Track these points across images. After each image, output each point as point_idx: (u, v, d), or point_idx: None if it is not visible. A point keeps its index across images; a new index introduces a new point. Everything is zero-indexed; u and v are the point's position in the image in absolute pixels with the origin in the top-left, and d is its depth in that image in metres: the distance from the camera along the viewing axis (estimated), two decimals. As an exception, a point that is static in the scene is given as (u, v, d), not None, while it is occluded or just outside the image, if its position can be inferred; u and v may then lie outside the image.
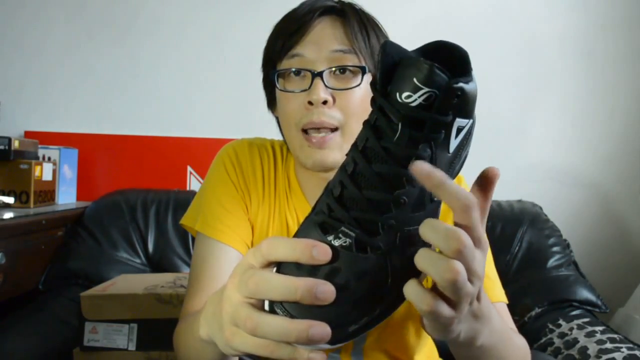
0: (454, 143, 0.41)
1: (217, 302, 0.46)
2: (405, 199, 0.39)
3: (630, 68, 1.79)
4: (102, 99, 1.79)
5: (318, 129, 0.70)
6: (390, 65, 0.39)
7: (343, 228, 0.39)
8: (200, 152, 1.74)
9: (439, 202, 0.43)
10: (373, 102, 0.41)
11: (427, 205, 0.41)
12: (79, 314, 1.04)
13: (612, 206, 1.80)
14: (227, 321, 0.42)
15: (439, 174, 0.37)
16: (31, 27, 1.77)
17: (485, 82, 1.95)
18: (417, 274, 0.41)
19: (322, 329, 0.37)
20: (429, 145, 0.39)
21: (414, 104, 0.38)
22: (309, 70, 0.71)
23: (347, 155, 0.42)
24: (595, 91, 1.80)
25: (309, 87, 0.70)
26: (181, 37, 1.78)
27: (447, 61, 0.40)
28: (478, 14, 1.80)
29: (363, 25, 0.74)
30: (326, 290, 0.37)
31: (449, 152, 0.41)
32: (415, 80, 0.37)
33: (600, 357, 1.09)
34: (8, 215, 1.30)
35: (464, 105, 0.39)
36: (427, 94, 0.37)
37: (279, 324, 0.38)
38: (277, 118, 0.81)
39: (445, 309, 0.38)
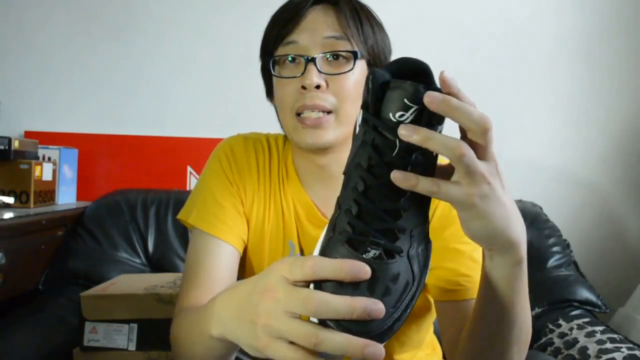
0: None
1: (241, 308, 0.48)
2: (409, 202, 0.45)
3: (628, 67, 1.79)
4: (103, 99, 1.79)
5: (312, 110, 0.72)
6: (380, 89, 0.44)
7: (370, 241, 0.44)
8: (200, 152, 1.74)
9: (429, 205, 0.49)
10: (365, 122, 0.46)
11: (425, 202, 0.47)
12: (79, 314, 1.03)
13: (611, 206, 1.80)
14: (267, 332, 0.44)
15: (453, 100, 0.43)
16: (32, 28, 1.77)
17: (484, 82, 1.96)
18: (427, 263, 0.48)
19: (377, 350, 0.40)
20: (420, 152, 0.45)
21: (407, 121, 0.43)
22: (303, 56, 0.73)
23: (347, 174, 0.47)
24: (594, 91, 1.80)
25: (303, 73, 0.72)
26: (181, 37, 1.78)
27: (412, 73, 0.46)
28: (478, 14, 1.80)
29: (356, 12, 0.76)
30: (378, 309, 0.41)
31: (433, 153, 0.46)
32: (405, 100, 0.43)
33: (600, 357, 1.09)
34: (8, 215, 1.30)
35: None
36: (417, 110, 0.43)
37: (341, 341, 0.41)
38: (275, 108, 0.82)
39: (470, 151, 0.44)
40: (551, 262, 1.44)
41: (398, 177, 0.44)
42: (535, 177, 1.79)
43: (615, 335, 1.17)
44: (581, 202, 1.80)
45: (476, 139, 0.46)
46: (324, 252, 0.47)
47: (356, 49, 0.74)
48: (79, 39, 1.78)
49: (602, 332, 1.19)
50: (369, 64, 0.77)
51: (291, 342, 0.43)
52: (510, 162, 1.78)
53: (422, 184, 0.44)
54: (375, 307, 0.41)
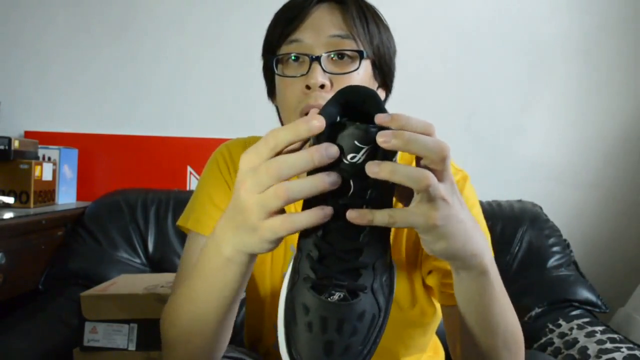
0: None
1: (235, 219, 0.49)
2: (369, 237, 0.46)
3: (629, 67, 1.79)
4: (102, 99, 1.79)
5: None
6: (328, 132, 0.45)
7: (333, 284, 0.45)
8: (200, 152, 1.74)
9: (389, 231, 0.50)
10: None
11: (385, 232, 0.48)
12: (79, 314, 1.04)
13: (612, 206, 1.80)
14: (258, 218, 0.46)
15: (405, 134, 0.43)
16: (32, 28, 1.77)
17: (485, 82, 1.96)
18: (392, 289, 0.49)
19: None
20: (375, 188, 0.45)
21: (360, 162, 0.43)
22: (307, 55, 0.71)
23: None
24: (594, 91, 1.80)
25: (307, 72, 0.70)
26: (181, 37, 1.78)
27: (359, 101, 0.47)
28: (478, 14, 1.80)
29: (362, 11, 0.74)
30: (330, 147, 0.43)
31: (388, 185, 0.46)
32: (356, 142, 0.43)
33: (600, 357, 1.09)
34: (8, 215, 1.30)
35: None
36: (369, 150, 0.43)
37: (307, 181, 0.44)
38: (277, 108, 0.81)
39: (434, 179, 0.44)
40: (551, 262, 1.44)
41: (353, 216, 0.44)
42: (535, 177, 1.80)
43: (615, 335, 1.17)
44: (581, 202, 1.80)
45: (434, 166, 0.45)
46: (290, 297, 0.48)
47: (362, 48, 0.72)
48: (79, 39, 1.78)
49: (602, 332, 1.19)
50: (373, 65, 0.75)
51: (279, 212, 0.46)
52: (510, 162, 1.79)
53: (378, 218, 0.44)
54: (328, 147, 0.43)
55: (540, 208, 1.57)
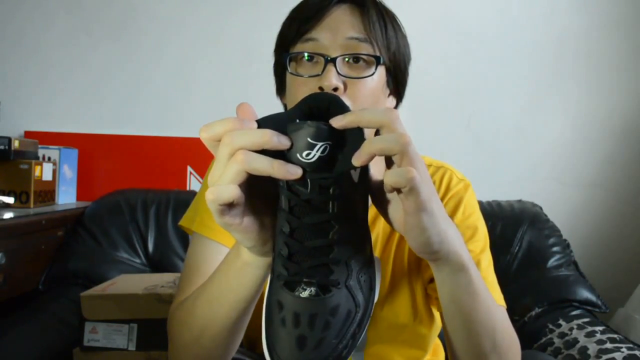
0: (355, 172, 0.48)
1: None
2: (338, 235, 0.46)
3: (630, 68, 1.80)
4: (102, 99, 1.79)
5: None
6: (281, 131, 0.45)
7: (304, 280, 0.46)
8: (200, 152, 1.74)
9: (367, 227, 0.50)
10: None
11: (356, 231, 0.48)
12: (79, 314, 1.04)
13: (612, 206, 1.80)
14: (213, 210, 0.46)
15: (352, 112, 0.44)
16: (32, 28, 1.77)
17: (485, 83, 1.96)
18: (373, 286, 0.49)
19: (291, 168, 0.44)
20: (337, 186, 0.45)
21: (315, 158, 0.44)
22: (322, 56, 0.69)
23: (277, 218, 0.49)
24: (595, 91, 1.80)
25: (321, 73, 0.69)
26: (181, 37, 1.79)
27: (324, 107, 0.48)
28: (479, 15, 1.80)
29: (381, 15, 0.73)
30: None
31: (351, 183, 0.47)
32: (309, 139, 0.44)
33: (600, 357, 1.09)
34: (8, 215, 1.30)
35: None
36: (323, 146, 0.44)
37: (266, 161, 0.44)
38: (284, 106, 0.80)
39: (414, 171, 0.43)
40: (551, 262, 1.44)
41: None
42: (535, 177, 1.80)
43: (615, 335, 1.17)
44: (581, 202, 1.80)
45: (391, 146, 0.44)
46: (268, 297, 0.48)
47: (379, 53, 0.71)
48: (80, 39, 1.78)
49: (602, 332, 1.19)
50: (388, 71, 0.74)
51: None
52: (510, 162, 1.79)
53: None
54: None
55: (540, 208, 1.57)
